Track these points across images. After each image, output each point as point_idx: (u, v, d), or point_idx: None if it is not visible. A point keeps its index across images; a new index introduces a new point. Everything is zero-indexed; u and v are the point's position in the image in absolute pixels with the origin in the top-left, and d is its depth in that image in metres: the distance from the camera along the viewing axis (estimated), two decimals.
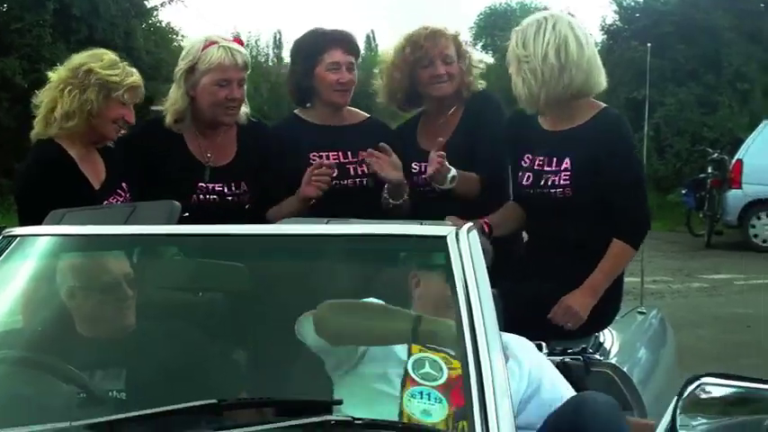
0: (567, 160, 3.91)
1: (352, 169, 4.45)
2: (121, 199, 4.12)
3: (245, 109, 4.41)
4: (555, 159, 3.94)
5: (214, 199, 4.31)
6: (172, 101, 4.31)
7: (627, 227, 3.90)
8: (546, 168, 3.97)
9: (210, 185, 4.30)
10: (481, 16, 46.10)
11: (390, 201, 4.25)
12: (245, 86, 4.34)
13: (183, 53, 4.35)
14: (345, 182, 4.42)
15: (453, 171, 4.12)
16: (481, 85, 4.48)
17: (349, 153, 4.45)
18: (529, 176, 4.01)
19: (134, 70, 4.18)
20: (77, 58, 4.13)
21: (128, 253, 3.20)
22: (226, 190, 4.32)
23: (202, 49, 4.24)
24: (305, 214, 4.06)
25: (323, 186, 4.18)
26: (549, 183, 3.94)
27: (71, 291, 3.07)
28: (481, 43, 48.50)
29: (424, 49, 4.32)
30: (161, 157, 4.29)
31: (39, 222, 3.34)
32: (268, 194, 4.36)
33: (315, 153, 4.39)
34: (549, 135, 4.04)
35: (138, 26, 21.03)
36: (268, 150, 4.42)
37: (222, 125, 4.36)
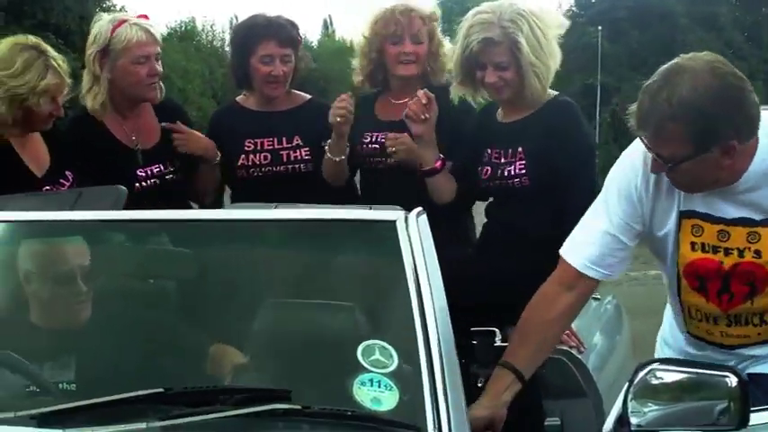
0: (521, 149, 3.86)
1: (285, 155, 4.39)
2: (64, 188, 4.01)
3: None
4: (510, 150, 3.90)
5: (155, 182, 4.28)
6: (88, 86, 4.23)
7: (576, 218, 3.81)
8: (502, 160, 3.92)
9: (148, 170, 4.27)
10: (438, 1, 46.40)
11: (329, 155, 4.21)
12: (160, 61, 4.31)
13: (92, 37, 4.23)
14: (278, 168, 4.39)
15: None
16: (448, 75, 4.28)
17: (284, 139, 4.39)
18: (487, 170, 3.96)
19: (53, 63, 3.96)
20: None
21: (85, 241, 3.15)
22: (163, 169, 4.30)
23: (112, 31, 4.17)
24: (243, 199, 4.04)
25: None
26: (506, 173, 3.89)
27: (27, 276, 3.03)
28: (439, 29, 48.77)
29: (397, 24, 4.21)
30: (93, 152, 4.21)
31: None
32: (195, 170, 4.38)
33: (250, 140, 4.39)
34: (504, 127, 4.00)
35: (94, 10, 20.84)
36: (188, 125, 4.39)
37: (146, 102, 4.32)
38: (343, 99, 4.14)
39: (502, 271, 3.78)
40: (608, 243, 3.05)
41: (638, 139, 3.01)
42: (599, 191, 3.23)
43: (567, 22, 4.01)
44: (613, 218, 3.05)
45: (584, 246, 3.09)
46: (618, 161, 3.11)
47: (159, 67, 4.27)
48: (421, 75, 4.28)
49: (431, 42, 4.26)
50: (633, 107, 2.85)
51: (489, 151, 3.97)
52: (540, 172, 3.83)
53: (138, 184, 4.16)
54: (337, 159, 4.20)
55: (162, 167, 4.29)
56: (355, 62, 4.44)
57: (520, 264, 3.76)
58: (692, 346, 3.24)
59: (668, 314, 3.38)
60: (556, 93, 3.99)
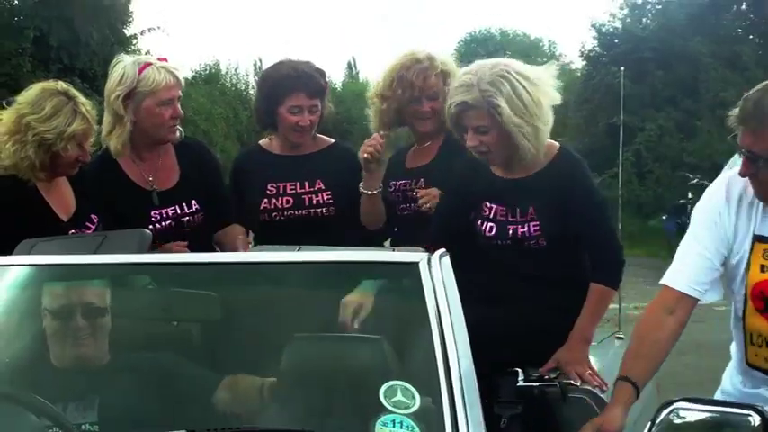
0: (532, 209, 3.76)
1: (307, 199, 4.39)
2: (89, 231, 4.04)
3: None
4: (518, 209, 3.79)
5: (170, 224, 4.28)
6: (110, 128, 4.23)
7: (602, 269, 3.77)
8: (510, 219, 3.81)
9: (163, 211, 4.28)
10: (461, 43, 46.48)
11: (364, 191, 4.21)
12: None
13: (116, 78, 4.22)
14: (300, 212, 4.39)
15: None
16: None
17: (306, 183, 4.40)
18: (492, 227, 3.84)
19: (81, 109, 4.00)
20: (25, 103, 3.99)
21: (103, 283, 3.17)
22: (179, 211, 4.30)
23: (139, 73, 4.18)
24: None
25: None
26: (520, 234, 3.78)
27: (46, 317, 3.05)
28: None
29: (413, 87, 4.23)
30: (110, 194, 4.24)
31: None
32: (218, 213, 4.39)
33: (272, 184, 4.40)
34: (507, 183, 3.86)
35: (119, 54, 20.89)
36: (212, 165, 4.44)
37: (166, 143, 4.33)
38: (375, 138, 4.16)
39: (525, 316, 3.76)
40: (703, 264, 3.27)
41: (718, 178, 3.38)
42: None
43: (559, 96, 3.81)
44: (705, 243, 3.26)
45: (682, 271, 3.29)
46: (702, 198, 3.37)
47: (180, 110, 4.30)
48: (441, 128, 4.25)
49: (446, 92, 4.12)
50: (735, 111, 3.12)
51: (489, 205, 3.86)
52: (554, 230, 3.75)
53: (151, 226, 4.12)
54: (370, 193, 4.19)
55: (178, 210, 4.30)
56: (370, 114, 4.46)
57: (537, 305, 3.75)
58: (749, 380, 3.39)
59: (730, 367, 3.55)
60: (557, 145, 3.86)
